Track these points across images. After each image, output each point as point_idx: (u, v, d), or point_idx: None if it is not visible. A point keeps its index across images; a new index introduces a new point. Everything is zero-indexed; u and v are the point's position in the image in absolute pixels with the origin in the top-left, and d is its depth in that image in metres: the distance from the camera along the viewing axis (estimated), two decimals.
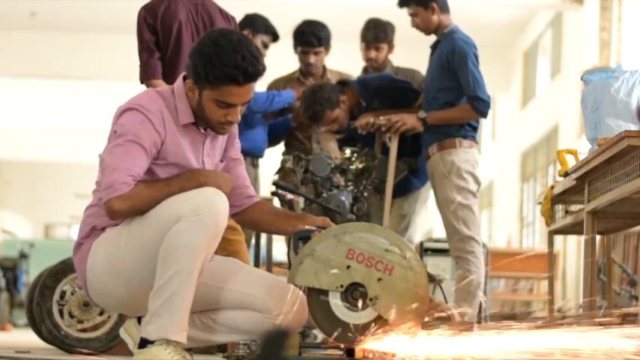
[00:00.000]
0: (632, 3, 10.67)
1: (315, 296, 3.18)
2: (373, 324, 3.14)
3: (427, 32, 5.38)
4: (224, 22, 4.85)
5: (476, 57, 5.16)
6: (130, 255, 3.10)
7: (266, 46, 5.87)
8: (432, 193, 5.82)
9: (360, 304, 3.14)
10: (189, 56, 3.16)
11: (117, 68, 13.98)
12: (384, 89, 5.54)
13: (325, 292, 3.16)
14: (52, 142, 21.27)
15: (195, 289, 3.04)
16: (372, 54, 5.97)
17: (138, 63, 4.79)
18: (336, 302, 3.16)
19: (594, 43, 11.29)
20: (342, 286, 3.14)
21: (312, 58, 6.04)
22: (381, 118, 5.32)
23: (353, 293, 3.15)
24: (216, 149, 3.32)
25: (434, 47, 5.35)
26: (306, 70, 6.08)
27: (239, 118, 3.19)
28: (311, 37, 6.00)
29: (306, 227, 3.26)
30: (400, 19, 5.65)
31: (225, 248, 4.54)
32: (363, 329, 3.14)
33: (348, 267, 3.14)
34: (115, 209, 3.07)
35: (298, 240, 3.26)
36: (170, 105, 3.18)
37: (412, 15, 5.30)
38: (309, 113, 5.44)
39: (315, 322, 3.20)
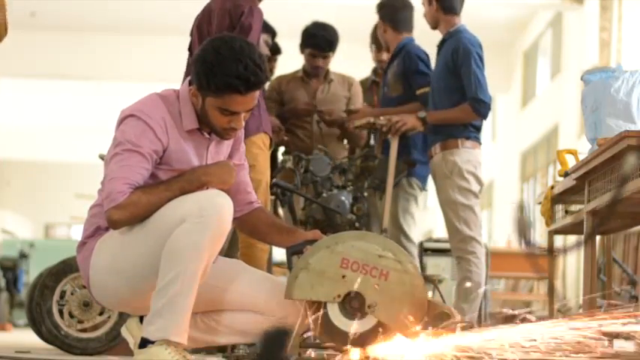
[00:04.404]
0: (632, 3, 10.66)
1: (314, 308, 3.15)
2: (374, 330, 3.13)
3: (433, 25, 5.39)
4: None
5: (480, 57, 5.16)
6: (134, 254, 3.10)
7: (268, 45, 5.85)
8: (432, 193, 5.83)
9: (358, 312, 3.12)
10: (192, 63, 3.15)
11: (117, 68, 13.96)
12: None
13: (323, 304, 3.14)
14: (52, 142, 21.27)
15: (198, 289, 3.04)
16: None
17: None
18: (334, 313, 3.14)
19: (594, 43, 11.29)
20: (339, 296, 3.13)
21: (321, 62, 5.99)
22: (381, 118, 5.32)
23: (351, 302, 3.13)
24: (220, 153, 3.30)
25: (440, 46, 5.36)
26: (311, 72, 6.04)
27: (243, 124, 3.19)
28: (323, 41, 5.94)
29: (298, 242, 3.25)
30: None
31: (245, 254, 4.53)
32: (363, 337, 3.13)
33: (344, 276, 3.12)
34: (115, 219, 3.08)
35: (291, 255, 3.25)
36: (174, 110, 3.17)
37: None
38: None
39: (316, 334, 3.19)
